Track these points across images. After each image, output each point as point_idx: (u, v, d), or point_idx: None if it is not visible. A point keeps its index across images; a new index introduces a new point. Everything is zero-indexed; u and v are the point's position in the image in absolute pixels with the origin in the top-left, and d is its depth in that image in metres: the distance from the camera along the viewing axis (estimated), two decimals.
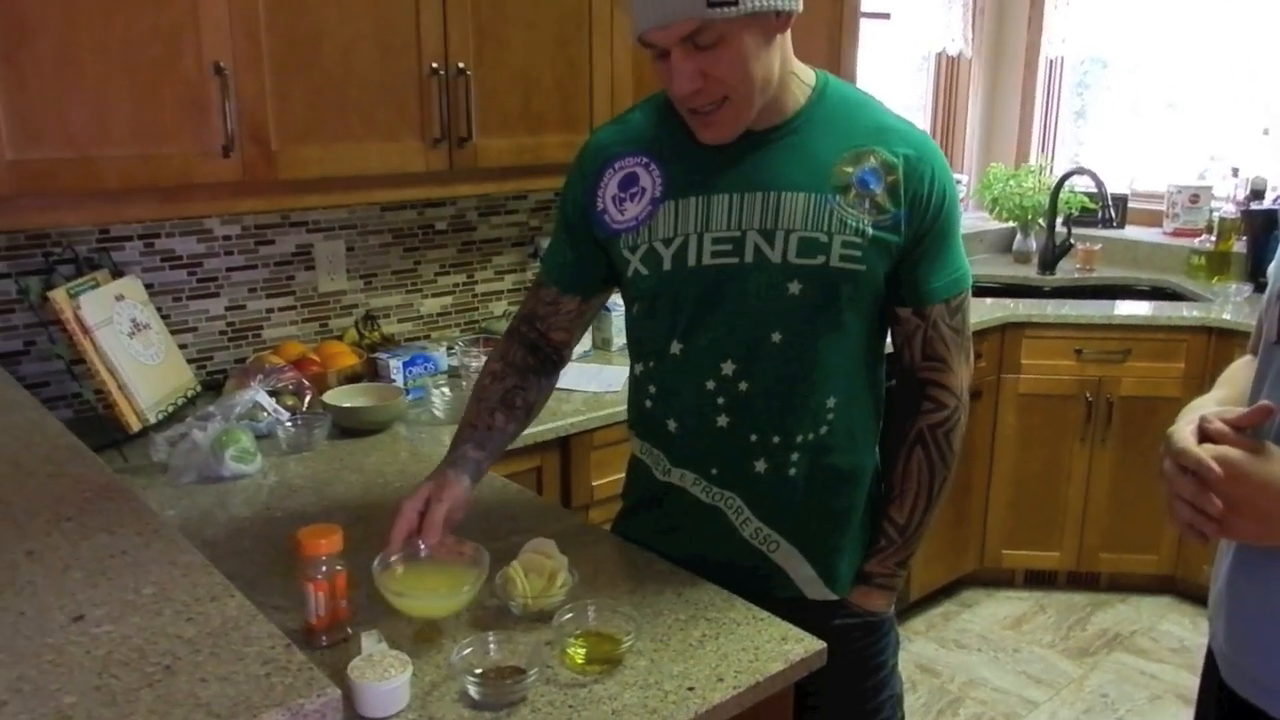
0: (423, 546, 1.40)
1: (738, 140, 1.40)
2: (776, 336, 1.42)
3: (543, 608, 1.38)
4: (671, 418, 1.50)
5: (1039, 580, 3.59)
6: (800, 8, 1.34)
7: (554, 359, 1.64)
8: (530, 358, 1.61)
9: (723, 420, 1.46)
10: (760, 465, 1.47)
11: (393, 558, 1.37)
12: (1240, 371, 1.27)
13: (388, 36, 2.12)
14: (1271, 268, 1.18)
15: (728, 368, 1.44)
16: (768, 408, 1.45)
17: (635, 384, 1.57)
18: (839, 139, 1.41)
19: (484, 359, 2.38)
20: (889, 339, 1.54)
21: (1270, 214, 3.62)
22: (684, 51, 1.28)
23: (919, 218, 1.41)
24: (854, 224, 1.38)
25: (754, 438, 1.46)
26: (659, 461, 1.54)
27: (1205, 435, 1.10)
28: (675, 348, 1.47)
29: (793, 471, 1.47)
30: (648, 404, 1.53)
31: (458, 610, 1.34)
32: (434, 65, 2.19)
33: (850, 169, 1.39)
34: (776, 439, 1.46)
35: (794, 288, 1.40)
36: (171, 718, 0.83)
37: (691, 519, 1.53)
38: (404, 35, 2.14)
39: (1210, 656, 1.28)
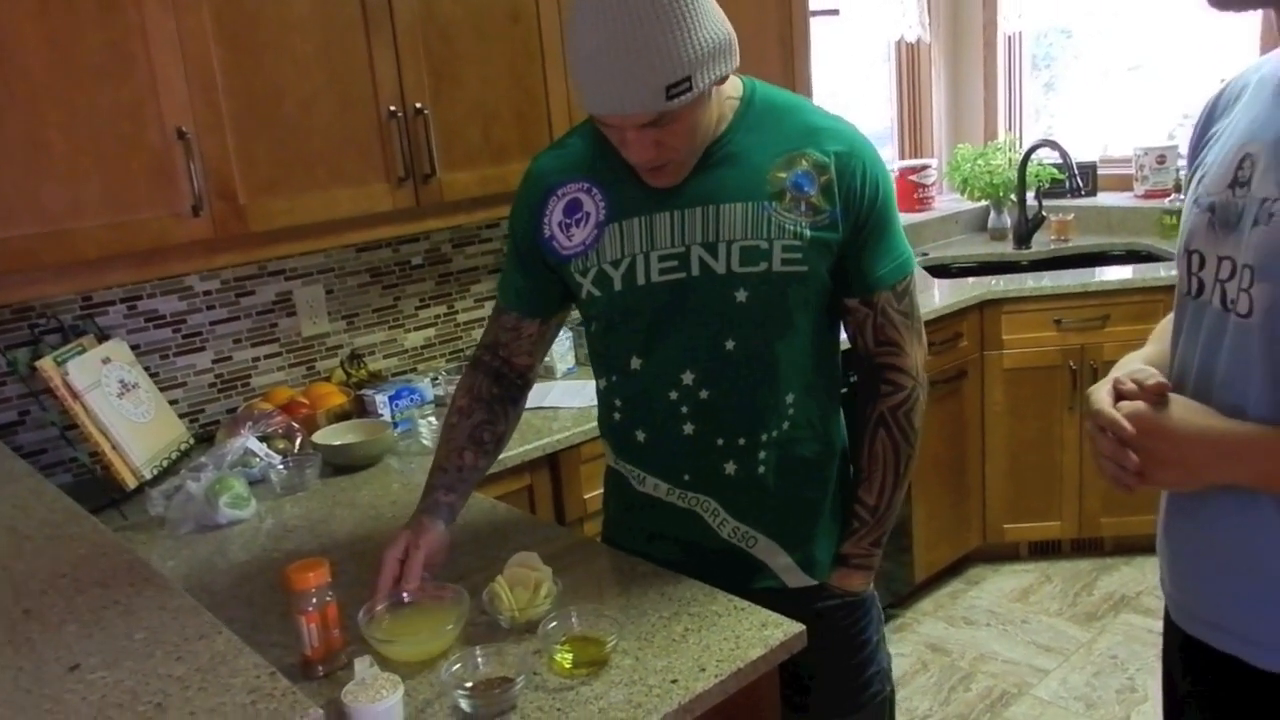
0: (405, 594, 1.46)
1: None
2: (730, 344, 1.47)
3: (530, 618, 1.43)
4: (640, 429, 1.56)
5: (1043, 551, 3.63)
6: (738, 62, 1.40)
7: (519, 384, 1.70)
8: (495, 388, 1.66)
9: (689, 428, 1.51)
10: (730, 467, 1.52)
11: (378, 607, 1.43)
12: (1167, 328, 1.32)
13: (344, 87, 2.19)
14: (1181, 224, 1.23)
15: (687, 378, 1.49)
16: (730, 412, 1.50)
17: (601, 397, 1.63)
18: (770, 146, 1.46)
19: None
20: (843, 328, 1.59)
21: None
22: (639, 131, 1.35)
23: (855, 212, 1.46)
24: (792, 228, 1.43)
25: (720, 442, 1.51)
26: (633, 472, 1.60)
27: (1120, 394, 1.16)
28: (635, 363, 1.52)
29: (762, 469, 1.53)
30: (616, 416, 1.59)
31: (441, 652, 1.38)
32: (392, 108, 2.25)
33: (784, 174, 1.44)
34: (742, 440, 1.51)
35: (741, 295, 1.45)
36: None
37: (672, 525, 1.58)
38: (360, 84, 2.21)
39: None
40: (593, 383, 2.61)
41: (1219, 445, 1.10)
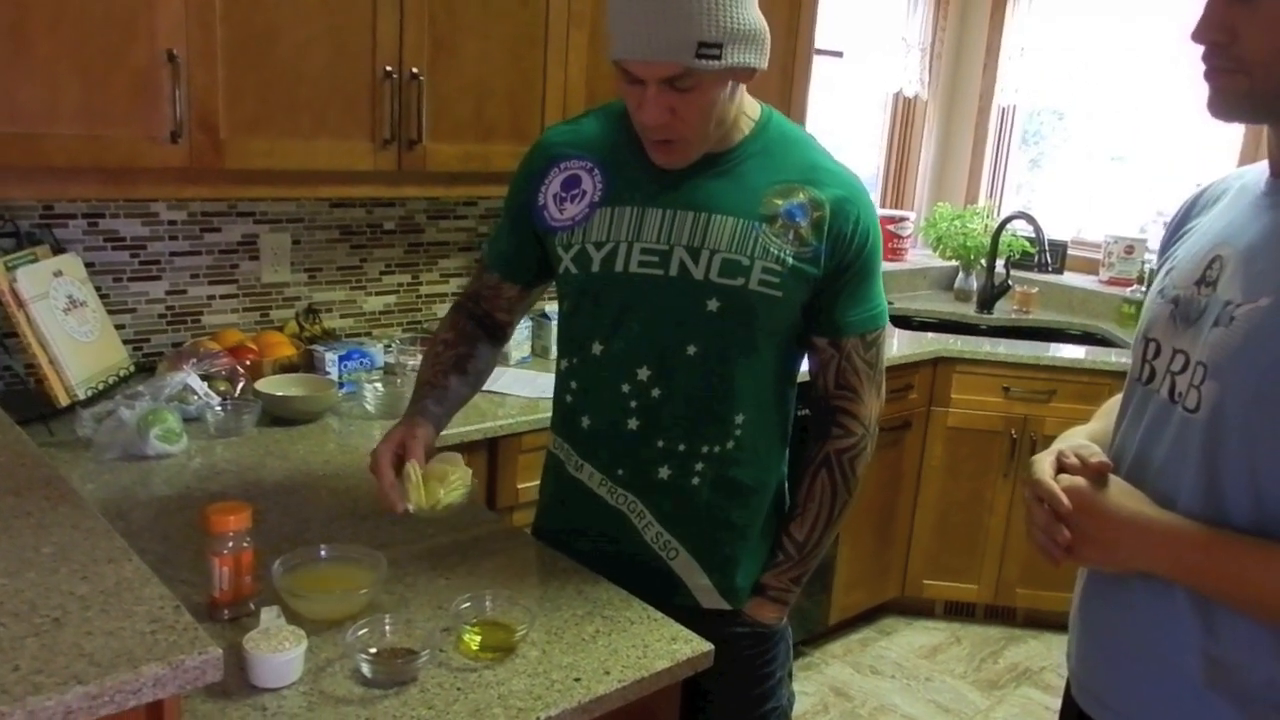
0: (323, 550, 1.46)
1: None
2: (692, 350, 1.48)
3: (435, 504, 1.45)
4: (586, 415, 1.57)
5: (958, 611, 3.68)
6: (765, 65, 1.42)
7: (499, 334, 1.73)
8: (478, 329, 1.70)
9: (633, 424, 1.52)
10: (664, 472, 1.53)
11: (294, 562, 1.42)
12: (1113, 407, 1.35)
13: (343, 38, 2.17)
14: (1143, 311, 1.26)
15: (643, 374, 1.50)
16: (677, 417, 1.51)
17: (558, 380, 1.63)
18: (772, 172, 1.48)
19: (420, 358, 2.44)
20: (804, 366, 1.61)
21: None
22: (659, 88, 1.36)
23: (840, 255, 1.48)
24: (776, 252, 1.45)
25: (661, 444, 1.52)
26: (569, 456, 1.60)
27: (1062, 467, 1.18)
28: (596, 348, 1.53)
29: (695, 481, 1.54)
30: (567, 399, 1.60)
31: (351, 614, 1.37)
32: (388, 68, 2.24)
33: (779, 201, 1.46)
34: (682, 447, 1.52)
35: (712, 305, 1.46)
36: (54, 664, 0.87)
37: (598, 519, 1.59)
38: (359, 38, 2.20)
39: (1069, 682, 1.35)
40: (544, 375, 2.64)
41: (1146, 533, 1.12)
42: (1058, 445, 1.25)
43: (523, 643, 1.35)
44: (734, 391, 1.51)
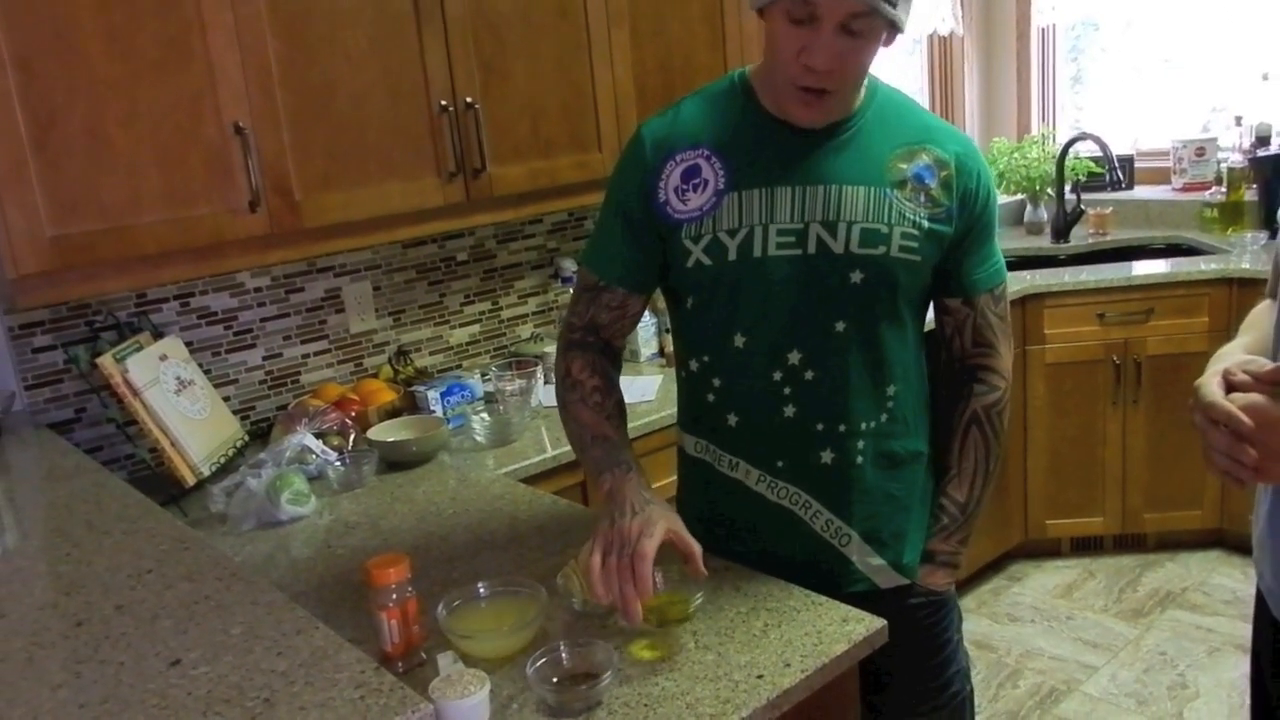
0: (481, 587, 1.45)
1: (798, 138, 1.45)
2: (840, 326, 1.46)
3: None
4: (733, 411, 1.53)
5: (1085, 547, 3.60)
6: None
7: (618, 364, 1.64)
8: (611, 367, 1.60)
9: (790, 411, 1.49)
10: (828, 456, 1.51)
11: (455, 603, 1.41)
12: (1262, 316, 1.30)
13: (396, 80, 2.18)
14: None
15: (794, 357, 1.47)
16: (835, 396, 1.49)
17: (691, 381, 1.58)
18: (891, 137, 1.47)
19: (518, 383, 2.44)
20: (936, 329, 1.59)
21: (1278, 158, 3.63)
22: (836, 32, 1.32)
23: (968, 212, 1.48)
24: (911, 216, 1.44)
25: (820, 427, 1.50)
26: (719, 456, 1.56)
27: (1231, 385, 1.13)
28: (739, 340, 1.49)
29: (859, 460, 1.52)
30: (710, 398, 1.54)
31: (521, 648, 1.36)
32: (443, 103, 2.24)
33: (905, 165, 1.45)
34: (842, 428, 1.50)
35: (856, 277, 1.44)
36: None
37: (760, 519, 1.55)
38: (412, 77, 2.20)
39: (1260, 598, 1.30)
40: (640, 378, 2.63)
41: None
42: (1216, 365, 1.20)
43: (698, 649, 1.34)
44: (885, 362, 1.50)
